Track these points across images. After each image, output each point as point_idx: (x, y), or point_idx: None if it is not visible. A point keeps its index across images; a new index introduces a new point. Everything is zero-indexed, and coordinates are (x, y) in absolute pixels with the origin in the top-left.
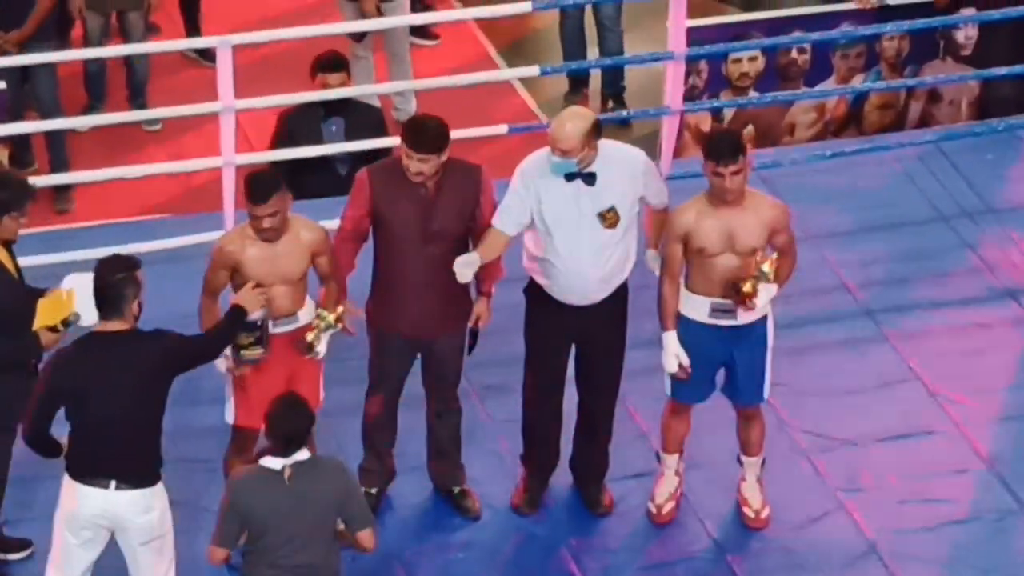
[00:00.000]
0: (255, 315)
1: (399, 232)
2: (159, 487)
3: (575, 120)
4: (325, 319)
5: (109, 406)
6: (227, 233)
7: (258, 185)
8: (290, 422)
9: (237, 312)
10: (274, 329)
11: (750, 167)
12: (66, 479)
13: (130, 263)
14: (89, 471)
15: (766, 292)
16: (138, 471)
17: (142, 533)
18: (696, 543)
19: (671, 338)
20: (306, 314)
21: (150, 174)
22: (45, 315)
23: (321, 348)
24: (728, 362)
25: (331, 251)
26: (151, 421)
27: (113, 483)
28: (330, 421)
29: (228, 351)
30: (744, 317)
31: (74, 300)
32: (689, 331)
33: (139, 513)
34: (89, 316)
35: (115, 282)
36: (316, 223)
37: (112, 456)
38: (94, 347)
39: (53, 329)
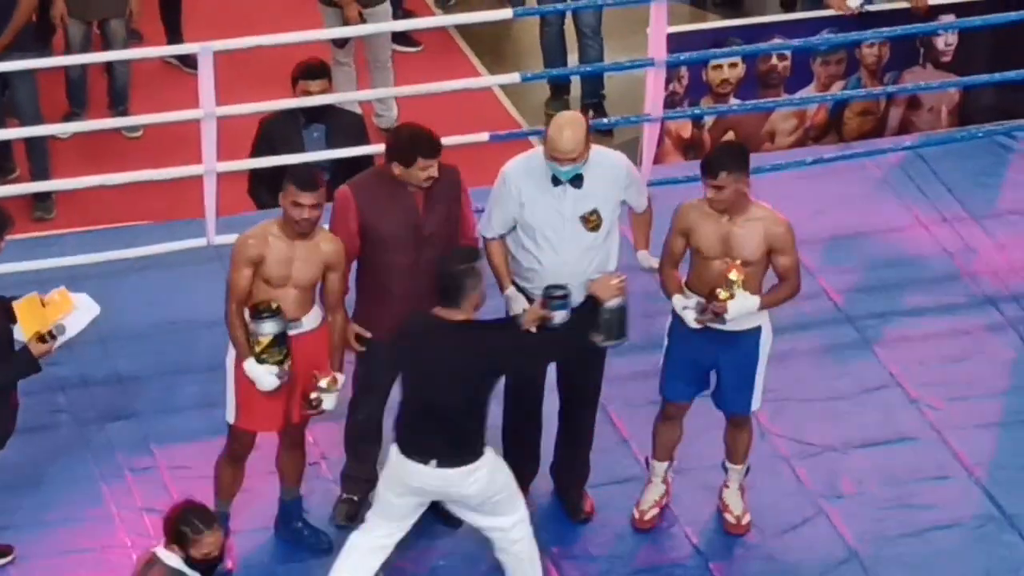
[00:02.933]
0: (279, 328)
1: (392, 241)
2: (484, 457)
3: (574, 126)
4: (337, 384)
5: (432, 391)
6: (248, 231)
7: (307, 174)
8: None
9: (592, 310)
10: None
11: (744, 184)
12: (394, 447)
13: (472, 255)
14: (413, 449)
15: (740, 303)
16: (460, 452)
17: (471, 499)
18: (678, 549)
19: (678, 298)
20: (310, 320)
21: (131, 181)
22: (28, 321)
23: (329, 405)
24: (717, 366)
25: (343, 268)
26: (473, 408)
27: (434, 462)
28: (312, 429)
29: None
30: (734, 324)
31: (64, 306)
32: (678, 328)
33: (463, 486)
34: (75, 326)
35: (455, 272)
36: (335, 236)
37: (433, 438)
38: (426, 330)
39: (42, 339)
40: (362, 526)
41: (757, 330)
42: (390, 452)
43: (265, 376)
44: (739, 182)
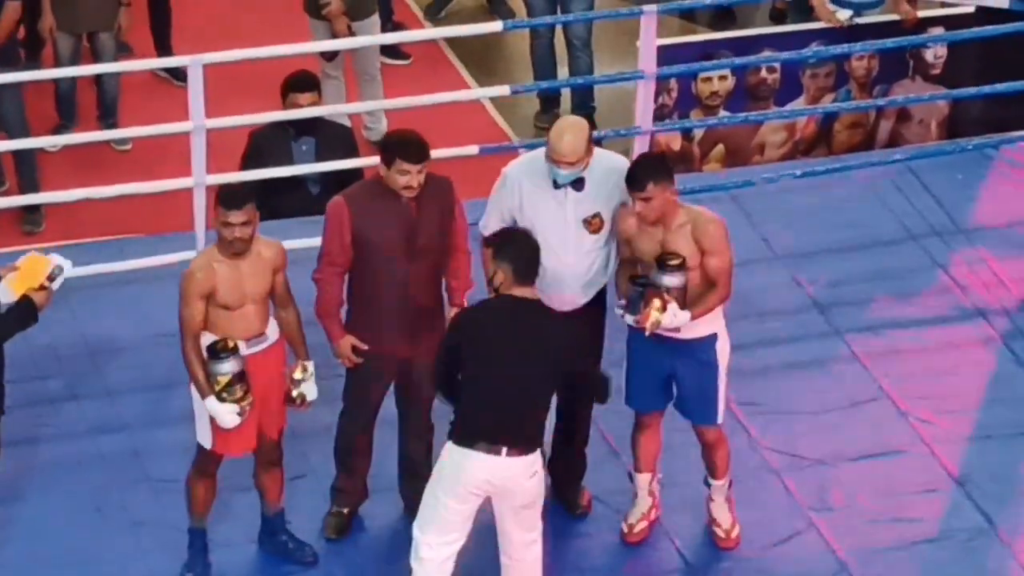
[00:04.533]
0: (238, 367)
1: (385, 252)
2: (539, 453)
3: (575, 131)
4: (308, 371)
5: (512, 370)
6: (192, 263)
7: (232, 193)
8: None
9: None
10: (246, 350)
11: (671, 192)
12: (450, 445)
13: None
14: (482, 438)
15: (669, 318)
16: (527, 441)
17: (524, 496)
18: (668, 563)
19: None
20: (273, 332)
21: (120, 194)
22: (25, 280)
23: (311, 394)
24: (675, 375)
25: (286, 268)
26: (545, 392)
27: (504, 450)
28: (301, 441)
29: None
30: (686, 331)
31: (42, 264)
32: (637, 337)
33: (525, 478)
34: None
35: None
36: (272, 239)
37: (506, 421)
38: (508, 309)
39: (40, 288)
40: (423, 549)
41: (712, 337)
42: (445, 453)
43: (226, 415)
44: (666, 191)
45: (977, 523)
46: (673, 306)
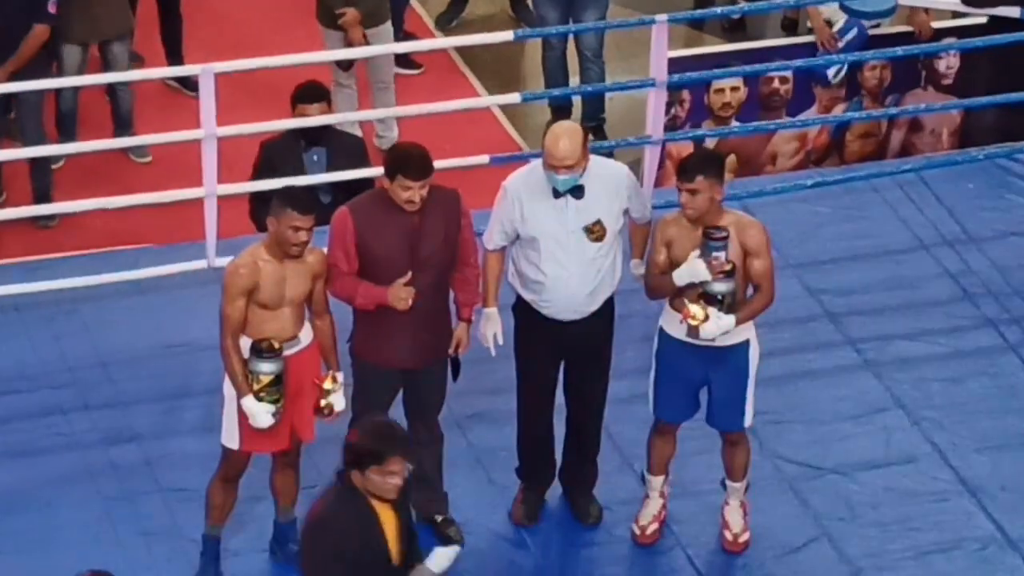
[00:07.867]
0: (279, 368)
1: (389, 264)
2: None
3: (570, 135)
4: (338, 381)
5: None
6: (235, 260)
7: (305, 197)
8: None
9: None
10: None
11: (718, 192)
12: None
13: None
14: None
15: (716, 322)
16: None
17: None
18: (680, 572)
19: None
20: (306, 336)
21: (132, 204)
22: None
23: (340, 404)
24: (707, 383)
25: (325, 276)
26: None
27: None
28: (311, 451)
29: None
30: (722, 339)
31: None
32: (669, 347)
33: None
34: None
35: None
36: (315, 246)
37: None
38: None
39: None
40: None
41: (745, 344)
42: None
43: (262, 414)
44: (713, 189)
45: (989, 533)
46: (714, 313)
